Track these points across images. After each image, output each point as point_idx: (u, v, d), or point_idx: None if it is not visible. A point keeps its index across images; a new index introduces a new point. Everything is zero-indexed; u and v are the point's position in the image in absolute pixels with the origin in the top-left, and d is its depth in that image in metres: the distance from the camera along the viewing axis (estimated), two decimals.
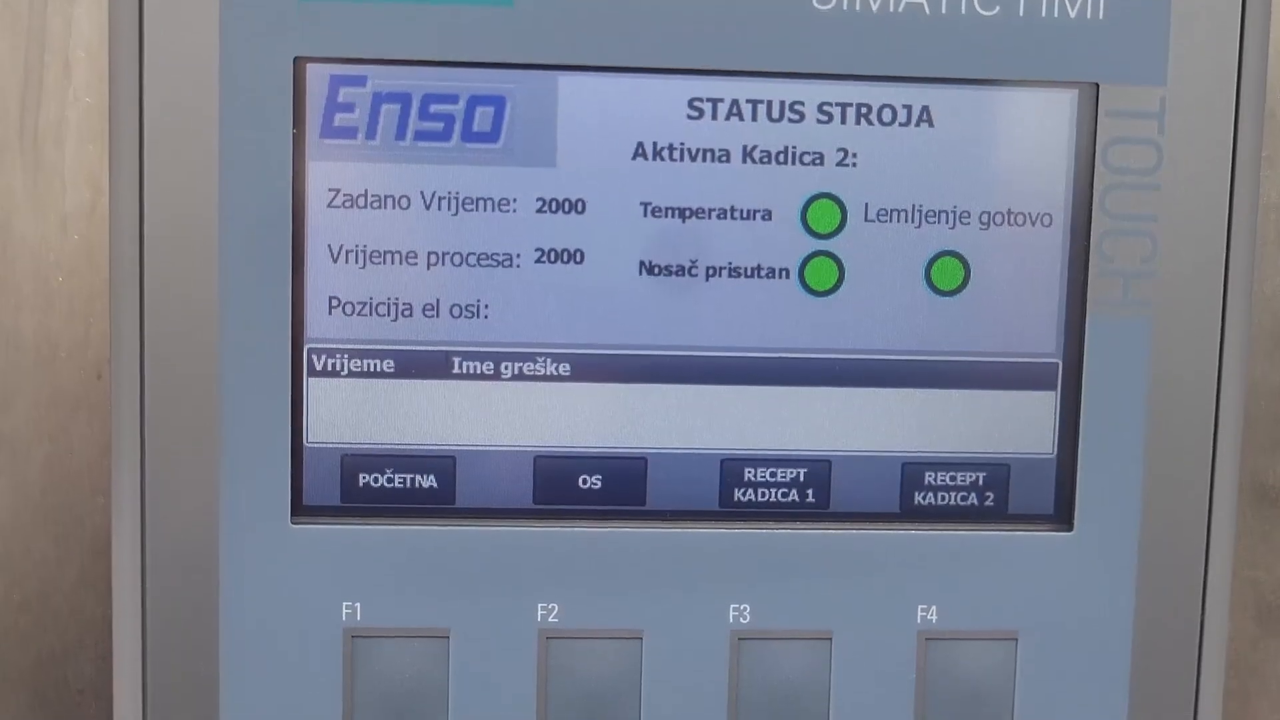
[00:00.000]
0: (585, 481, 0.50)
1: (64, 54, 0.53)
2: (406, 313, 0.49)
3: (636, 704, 0.50)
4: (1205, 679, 0.51)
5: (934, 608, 0.51)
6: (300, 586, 0.49)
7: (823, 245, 0.50)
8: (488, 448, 0.50)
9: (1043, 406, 0.51)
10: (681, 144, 0.49)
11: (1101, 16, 0.49)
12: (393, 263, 0.49)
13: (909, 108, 0.49)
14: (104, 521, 0.51)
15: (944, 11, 0.48)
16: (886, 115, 0.49)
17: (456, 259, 0.49)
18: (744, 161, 0.49)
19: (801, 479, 0.51)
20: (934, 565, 0.51)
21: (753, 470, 0.50)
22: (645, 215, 0.49)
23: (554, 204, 0.49)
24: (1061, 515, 0.51)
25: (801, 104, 0.49)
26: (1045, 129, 0.49)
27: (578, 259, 0.49)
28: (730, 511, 0.51)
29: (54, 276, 0.51)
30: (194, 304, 0.48)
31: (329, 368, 0.49)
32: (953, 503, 0.51)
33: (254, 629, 0.49)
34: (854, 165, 0.49)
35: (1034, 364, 0.50)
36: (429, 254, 0.49)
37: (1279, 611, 0.54)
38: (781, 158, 0.49)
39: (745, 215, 0.49)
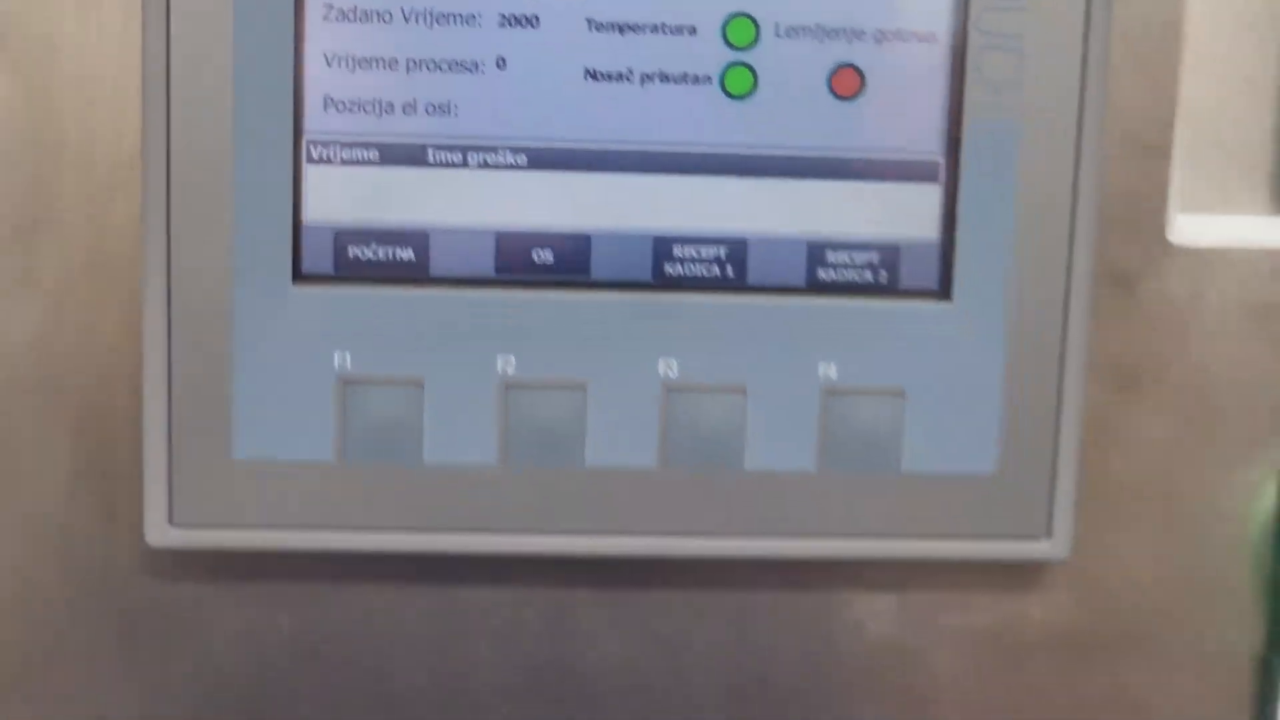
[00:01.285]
0: (538, 255, 0.56)
1: None
2: (389, 110, 0.55)
3: (581, 443, 0.57)
4: (1064, 433, 0.58)
5: (833, 365, 0.56)
6: (299, 340, 0.55)
7: (740, 56, 0.55)
8: (456, 226, 0.56)
9: (928, 197, 0.57)
10: None
11: None
12: (377, 68, 0.55)
13: None
14: (136, 284, 0.57)
15: None
16: None
17: (431, 65, 0.55)
18: None
19: (722, 255, 0.56)
20: (834, 330, 0.57)
21: (680, 247, 0.56)
22: (590, 29, 0.55)
23: (512, 19, 0.55)
24: (943, 289, 0.57)
25: None
26: None
27: (533, 66, 0.55)
28: (661, 282, 0.56)
29: (92, 78, 0.58)
30: (211, 103, 0.54)
31: (324, 157, 0.55)
32: (851, 278, 0.57)
33: (261, 376, 0.55)
34: None
35: (920, 161, 0.56)
36: (407, 60, 0.55)
37: (1133, 380, 0.60)
38: None
39: (674, 30, 0.55)
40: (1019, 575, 0.62)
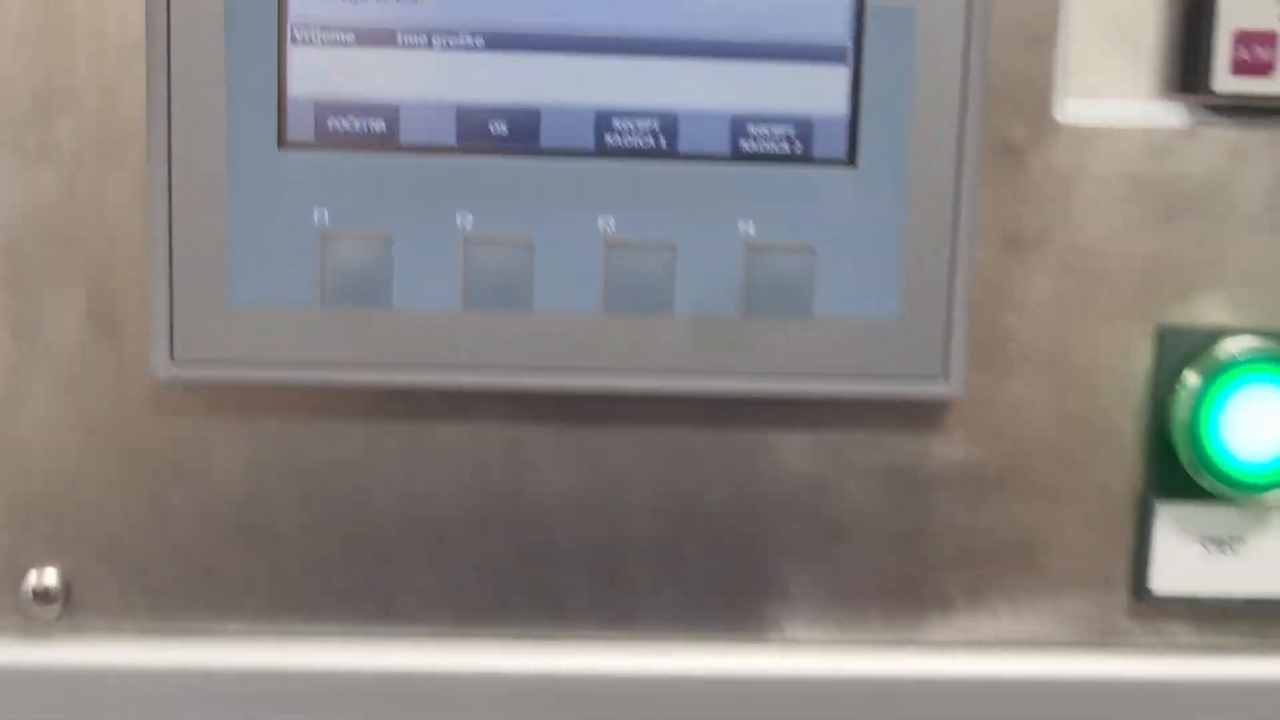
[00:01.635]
0: (494, 126, 0.62)
1: None
2: None
3: (531, 290, 0.63)
4: (957, 283, 0.64)
5: (752, 224, 0.63)
6: (284, 199, 0.62)
7: None
8: (422, 100, 0.62)
9: (837, 77, 0.63)
10: None
11: None
12: None
13: None
14: (142, 152, 0.63)
15: None
16: None
17: None
18: None
19: (655, 127, 0.62)
20: (754, 193, 0.63)
21: (619, 120, 0.62)
22: None
23: None
24: (850, 158, 0.63)
25: None
26: None
27: None
28: (601, 150, 0.62)
29: None
30: None
31: (306, 39, 0.61)
32: (769, 148, 0.63)
33: (251, 229, 0.61)
34: None
35: (830, 45, 0.63)
36: None
37: (1020, 242, 0.65)
38: None
39: None
40: (922, 418, 0.69)
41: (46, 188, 0.65)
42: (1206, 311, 0.69)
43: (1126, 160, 0.67)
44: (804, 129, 0.64)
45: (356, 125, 0.62)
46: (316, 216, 0.62)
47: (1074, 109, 0.67)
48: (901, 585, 0.71)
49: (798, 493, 0.70)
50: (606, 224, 0.63)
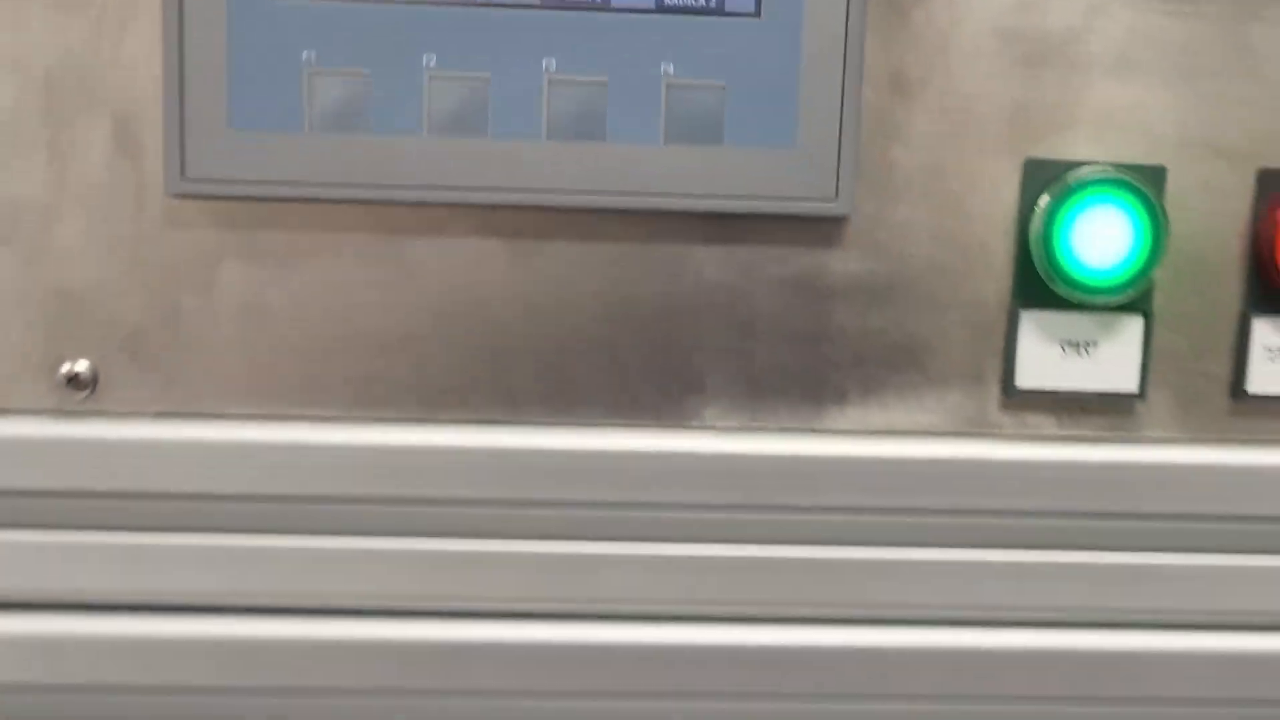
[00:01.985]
0: None
1: None
2: None
3: (485, 120, 0.73)
4: (847, 117, 0.75)
5: (672, 65, 0.74)
6: (277, 41, 0.72)
7: None
8: None
9: None
10: None
11: None
12: None
13: None
14: (159, 2, 0.73)
15: None
16: None
17: None
18: None
19: None
20: (674, 40, 0.73)
21: None
22: None
23: None
24: (757, 11, 0.72)
25: None
26: None
27: None
28: (547, 3, 0.71)
29: None
30: None
31: None
32: (688, 3, 0.73)
33: (249, 67, 0.71)
34: None
35: None
36: None
37: (904, 85, 0.74)
38: None
39: None
40: (821, 235, 0.80)
41: (78, 33, 0.76)
42: (1066, 146, 0.80)
43: (997, 15, 0.78)
44: None
45: None
46: (305, 56, 0.72)
47: None
48: (804, 381, 0.82)
49: (715, 300, 0.79)
50: (549, 64, 0.72)
